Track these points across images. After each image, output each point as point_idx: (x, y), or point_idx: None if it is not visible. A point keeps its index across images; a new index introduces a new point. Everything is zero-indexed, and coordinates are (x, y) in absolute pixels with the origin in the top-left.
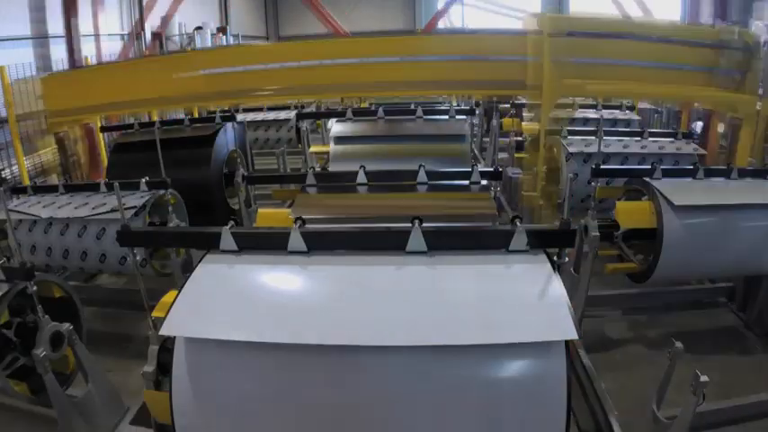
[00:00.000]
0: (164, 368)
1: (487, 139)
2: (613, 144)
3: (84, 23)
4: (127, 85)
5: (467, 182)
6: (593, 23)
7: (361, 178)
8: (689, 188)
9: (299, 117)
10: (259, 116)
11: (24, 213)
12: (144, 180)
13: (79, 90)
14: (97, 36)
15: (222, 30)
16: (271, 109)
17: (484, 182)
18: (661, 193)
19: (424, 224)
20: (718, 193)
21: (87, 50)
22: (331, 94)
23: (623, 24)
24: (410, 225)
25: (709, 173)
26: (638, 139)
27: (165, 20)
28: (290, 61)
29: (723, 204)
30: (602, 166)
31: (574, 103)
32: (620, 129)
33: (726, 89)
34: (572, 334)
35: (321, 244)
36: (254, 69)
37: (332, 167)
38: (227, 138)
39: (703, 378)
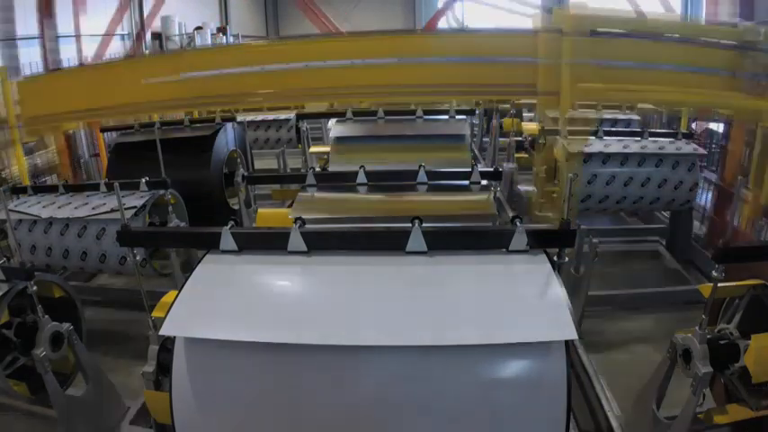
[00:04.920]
0: (164, 368)
1: (487, 139)
2: (613, 144)
3: (88, 23)
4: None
5: (467, 182)
6: (620, 22)
7: (361, 178)
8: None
9: (299, 117)
10: (259, 116)
11: (24, 213)
12: (144, 180)
13: (58, 94)
14: (78, 37)
15: (222, 29)
16: (271, 109)
17: (484, 182)
18: None
19: (424, 224)
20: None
21: (88, 50)
22: (319, 99)
23: (652, 24)
24: (410, 225)
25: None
26: (638, 139)
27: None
28: (277, 63)
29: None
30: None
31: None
32: (620, 129)
33: (752, 95)
34: (572, 334)
35: (321, 244)
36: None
37: (332, 167)
38: (227, 138)
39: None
